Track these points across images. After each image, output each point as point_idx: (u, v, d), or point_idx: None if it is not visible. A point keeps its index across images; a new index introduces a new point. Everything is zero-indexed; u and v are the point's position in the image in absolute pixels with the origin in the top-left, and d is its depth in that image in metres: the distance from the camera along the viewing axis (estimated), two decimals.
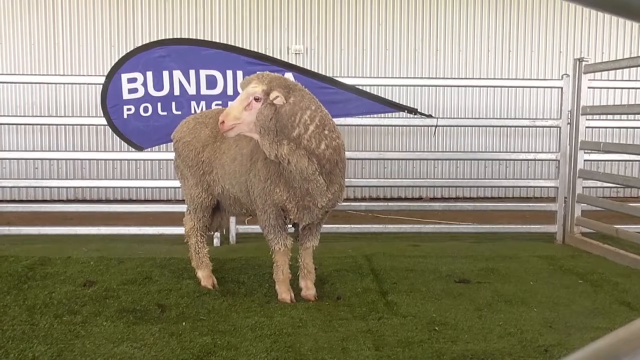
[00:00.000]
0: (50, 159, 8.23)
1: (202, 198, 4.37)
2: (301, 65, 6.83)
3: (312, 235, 4.20)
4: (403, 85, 8.40)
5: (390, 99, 6.19)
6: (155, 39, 6.55)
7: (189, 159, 4.33)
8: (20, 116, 8.25)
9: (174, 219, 5.88)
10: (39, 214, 6.97)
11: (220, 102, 5.35)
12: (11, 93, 8.46)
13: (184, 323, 3.63)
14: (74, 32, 8.62)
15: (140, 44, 5.69)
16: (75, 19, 8.60)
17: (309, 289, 4.18)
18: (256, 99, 3.60)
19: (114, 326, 3.55)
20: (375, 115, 6.14)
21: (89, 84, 7.52)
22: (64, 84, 8.11)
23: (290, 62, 6.79)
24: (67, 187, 8.48)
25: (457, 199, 8.80)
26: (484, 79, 8.85)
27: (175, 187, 5.53)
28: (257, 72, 3.79)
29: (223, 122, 3.62)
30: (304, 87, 3.80)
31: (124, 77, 5.39)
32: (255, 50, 6.99)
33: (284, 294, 4.09)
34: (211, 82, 5.36)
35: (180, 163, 4.45)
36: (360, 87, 5.72)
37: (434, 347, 3.30)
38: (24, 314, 3.75)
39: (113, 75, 5.41)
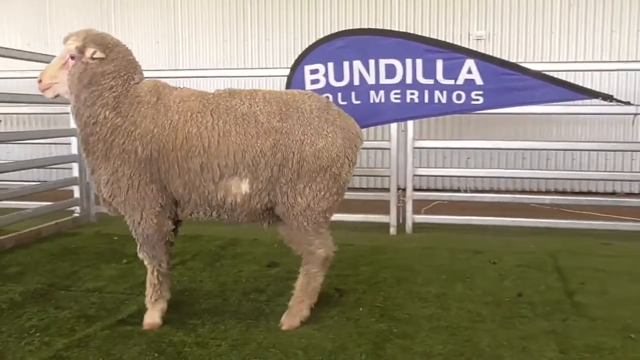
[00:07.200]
0: None
1: None
2: (483, 52, 6.58)
3: None
4: (596, 70, 7.74)
5: (581, 85, 5.72)
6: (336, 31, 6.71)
7: None
8: None
9: (351, 207, 6.02)
10: None
11: (398, 91, 5.32)
12: (207, 87, 9.22)
13: (360, 308, 3.70)
14: (261, 30, 9.19)
15: (321, 37, 5.86)
16: (262, 18, 9.15)
17: None
18: (72, 57, 3.27)
19: None
20: (563, 103, 5.71)
21: (274, 76, 7.93)
22: (252, 77, 8.66)
23: (471, 48, 6.57)
24: None
25: None
26: None
27: None
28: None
29: (40, 80, 3.30)
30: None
31: (307, 68, 5.58)
32: (435, 37, 6.87)
33: None
34: (390, 71, 5.34)
35: None
36: (548, 73, 5.36)
37: (628, 356, 3.01)
38: (217, 289, 4.10)
39: (296, 67, 5.62)
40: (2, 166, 6.64)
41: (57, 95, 3.37)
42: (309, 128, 3.32)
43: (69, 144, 6.51)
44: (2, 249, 5.18)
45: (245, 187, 3.28)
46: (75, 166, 6.54)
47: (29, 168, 7.54)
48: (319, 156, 3.30)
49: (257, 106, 3.32)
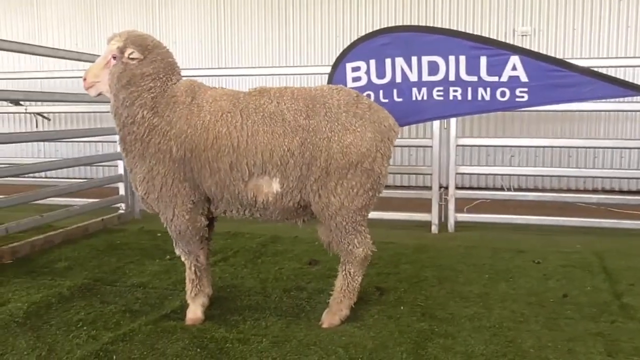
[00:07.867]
0: None
1: None
2: (529, 48, 6.45)
3: None
4: None
5: (632, 81, 5.56)
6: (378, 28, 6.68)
7: None
8: None
9: (392, 205, 5.99)
10: None
11: (441, 88, 5.25)
12: (249, 85, 9.31)
13: (401, 307, 3.68)
14: (303, 28, 9.22)
15: (363, 34, 5.84)
16: (304, 16, 9.17)
17: None
18: (114, 57, 3.32)
19: None
20: (612, 100, 5.56)
21: (315, 74, 7.94)
22: (294, 74, 8.70)
23: (516, 44, 6.45)
24: None
25: None
26: None
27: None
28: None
29: (85, 78, 3.38)
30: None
31: (348, 66, 5.54)
32: (479, 34, 6.76)
33: None
34: (433, 68, 5.27)
35: None
36: (596, 69, 5.22)
37: None
38: (258, 286, 4.13)
39: (338, 64, 5.60)
40: (51, 164, 6.84)
41: (99, 94, 3.46)
42: (336, 124, 3.26)
43: (114, 142, 6.65)
44: (51, 245, 5.34)
45: (276, 186, 3.27)
46: (120, 164, 6.68)
47: (76, 165, 7.72)
48: (347, 152, 3.23)
49: (285, 104, 3.30)
